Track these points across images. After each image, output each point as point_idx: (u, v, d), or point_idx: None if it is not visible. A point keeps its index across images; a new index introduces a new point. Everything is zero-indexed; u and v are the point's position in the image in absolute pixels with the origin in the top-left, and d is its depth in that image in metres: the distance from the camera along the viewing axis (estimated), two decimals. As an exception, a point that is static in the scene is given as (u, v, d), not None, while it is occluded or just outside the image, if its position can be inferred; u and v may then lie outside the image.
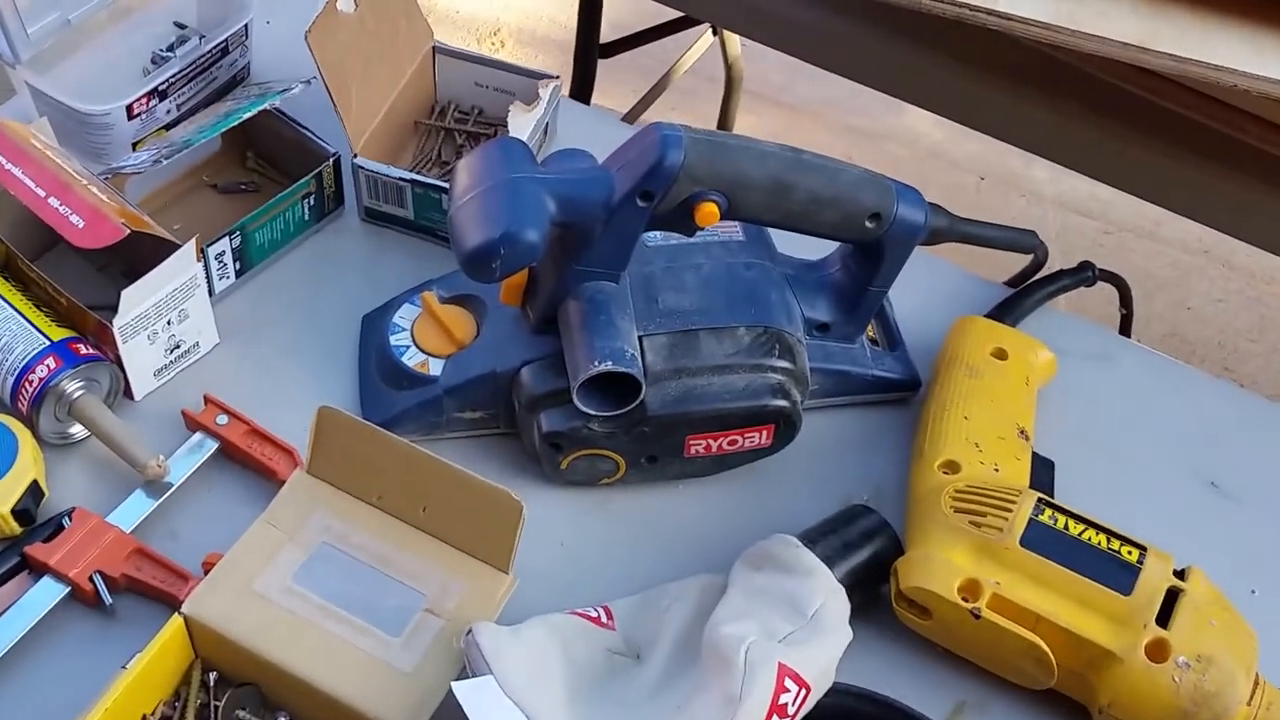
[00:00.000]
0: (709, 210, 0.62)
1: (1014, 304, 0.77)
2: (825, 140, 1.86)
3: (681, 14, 1.36)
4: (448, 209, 0.63)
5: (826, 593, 0.60)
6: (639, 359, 0.63)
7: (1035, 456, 0.68)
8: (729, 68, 1.72)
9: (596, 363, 0.62)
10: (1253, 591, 0.66)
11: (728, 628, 0.57)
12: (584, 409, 0.64)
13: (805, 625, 0.58)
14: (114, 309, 0.68)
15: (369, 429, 0.61)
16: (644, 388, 0.63)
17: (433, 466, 0.60)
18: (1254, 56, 0.78)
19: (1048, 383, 0.74)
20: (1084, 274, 0.79)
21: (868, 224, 0.66)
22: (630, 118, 1.61)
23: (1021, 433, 0.68)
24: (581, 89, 1.44)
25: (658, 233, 0.68)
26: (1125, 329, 0.89)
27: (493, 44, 1.99)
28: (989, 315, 0.75)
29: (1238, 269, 1.77)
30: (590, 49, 1.41)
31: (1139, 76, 0.89)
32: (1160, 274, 1.74)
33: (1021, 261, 0.78)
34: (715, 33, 1.62)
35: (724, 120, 1.79)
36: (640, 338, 0.65)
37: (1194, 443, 0.73)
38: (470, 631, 0.56)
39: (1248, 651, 0.58)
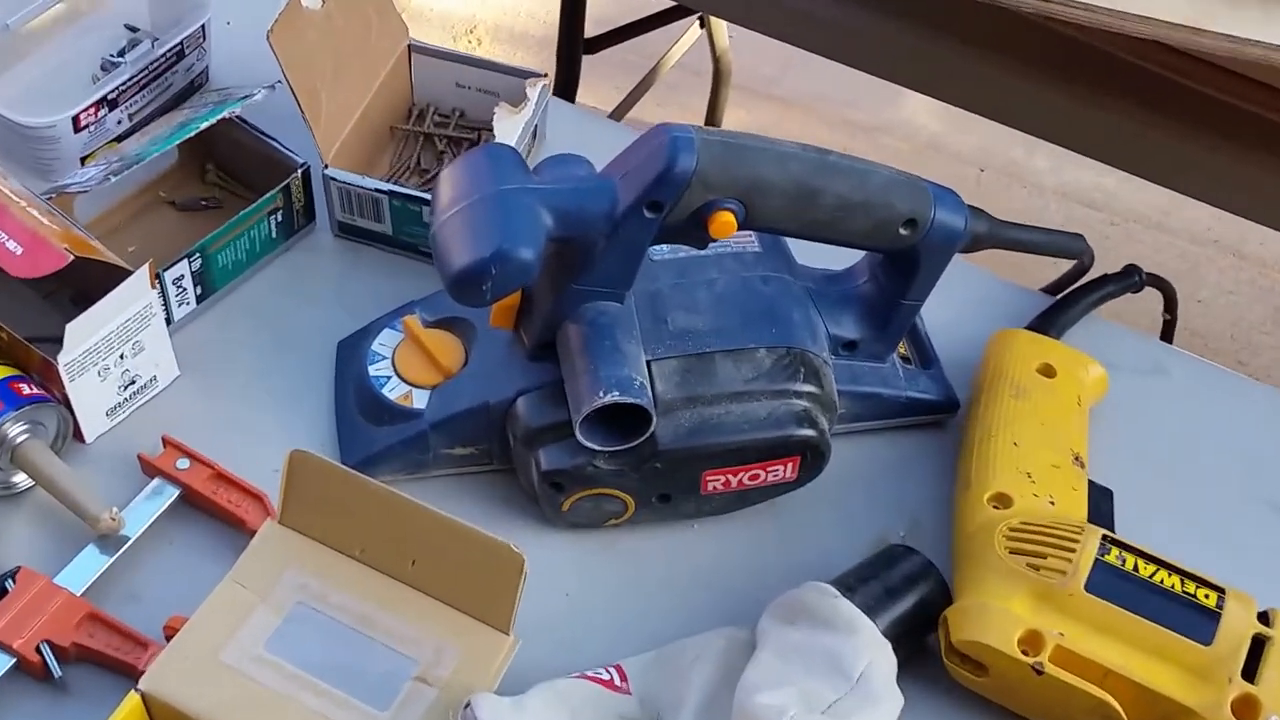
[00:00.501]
0: (725, 220, 0.55)
1: (1057, 314, 0.70)
2: (820, 134, 1.80)
3: (670, 4, 1.30)
4: (430, 224, 0.56)
5: (872, 650, 0.53)
6: (648, 387, 0.57)
7: (1092, 485, 0.62)
8: (717, 60, 1.66)
9: (602, 393, 0.55)
10: (1333, 628, 0.60)
11: (764, 697, 0.50)
12: (588, 444, 0.57)
13: (851, 690, 0.52)
14: (58, 340, 0.61)
15: (348, 475, 0.54)
16: (654, 419, 0.56)
17: (422, 515, 0.53)
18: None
19: (1099, 401, 0.67)
20: (1130, 279, 0.73)
21: (902, 231, 0.59)
22: (616, 115, 1.55)
23: (1076, 459, 0.62)
24: (566, 87, 1.38)
25: (664, 246, 0.61)
26: (1168, 335, 0.83)
27: (469, 41, 1.92)
28: (1030, 327, 0.69)
29: (1248, 258, 1.72)
30: (574, 45, 1.35)
31: (1161, 54, 0.83)
32: (1169, 266, 1.69)
33: (1058, 267, 0.72)
34: (703, 25, 1.56)
35: (712, 115, 1.73)
36: (649, 363, 0.58)
37: (1259, 461, 0.67)
38: (468, 705, 0.50)
39: (1347, 706, 0.53)
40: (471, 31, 1.94)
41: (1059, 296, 0.72)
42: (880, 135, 1.81)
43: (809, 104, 1.84)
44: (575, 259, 0.56)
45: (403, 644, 0.53)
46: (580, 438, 0.56)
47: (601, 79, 1.65)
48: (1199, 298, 1.67)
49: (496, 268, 0.53)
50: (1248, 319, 1.64)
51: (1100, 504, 0.61)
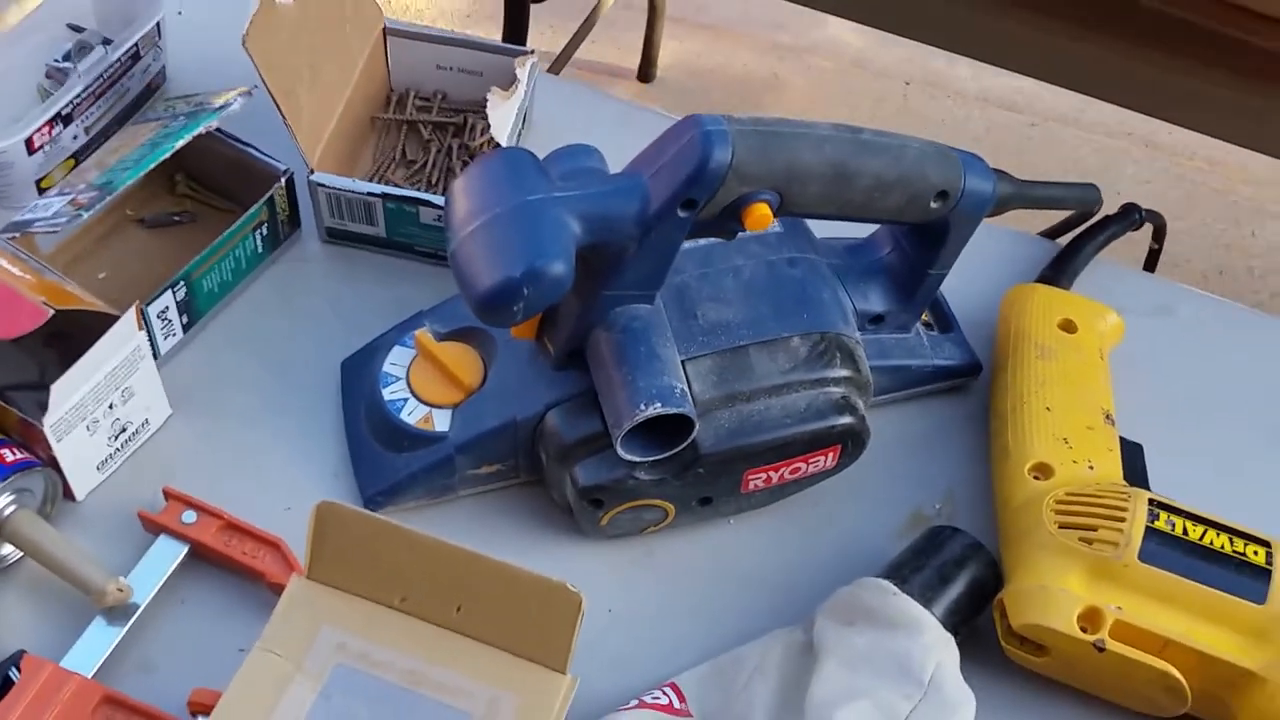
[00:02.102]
0: (761, 213, 0.48)
1: (1065, 262, 0.64)
2: (750, 58, 1.71)
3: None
4: (448, 242, 0.47)
5: (939, 648, 0.48)
6: (688, 393, 0.50)
7: (1123, 442, 0.56)
8: (652, -4, 1.55)
9: (644, 405, 0.48)
10: (1364, 563, 0.56)
11: (841, 715, 0.45)
12: (628, 458, 0.50)
13: (925, 697, 0.46)
14: (37, 387, 0.52)
15: (384, 524, 0.46)
16: (696, 425, 0.49)
17: (466, 559, 0.46)
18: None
19: (1115, 349, 0.61)
20: (1130, 217, 0.67)
21: (933, 204, 0.52)
22: (562, 59, 1.44)
23: (1107, 417, 0.57)
24: (514, 37, 1.27)
25: (688, 237, 0.53)
26: (1151, 266, 0.78)
27: (403, -10, 1.77)
28: (1041, 279, 0.63)
29: (1160, 148, 1.69)
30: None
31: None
32: (1088, 161, 1.65)
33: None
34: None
35: (649, 49, 1.63)
36: (684, 363, 0.51)
37: (1273, 397, 0.62)
38: (538, 759, 0.43)
39: (1405, 657, 0.48)
40: (404, -20, 1.79)
41: (1065, 244, 0.66)
42: (808, 55, 1.72)
43: (738, 29, 1.74)
44: (605, 264, 0.48)
45: (455, 697, 0.45)
46: (620, 452, 0.49)
47: (536, 19, 1.54)
48: (1118, 189, 1.63)
49: (530, 286, 0.45)
50: (1164, 205, 1.59)
51: (1134, 461, 0.56)
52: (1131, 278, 0.67)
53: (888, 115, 1.67)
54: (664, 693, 0.49)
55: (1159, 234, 0.74)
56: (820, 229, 0.57)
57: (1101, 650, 0.49)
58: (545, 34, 1.60)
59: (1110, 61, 0.81)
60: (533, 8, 1.33)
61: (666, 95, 1.68)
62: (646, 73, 1.66)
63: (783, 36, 1.75)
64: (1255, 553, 0.51)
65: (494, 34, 1.33)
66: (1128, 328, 0.62)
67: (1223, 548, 0.51)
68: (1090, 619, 0.50)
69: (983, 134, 1.69)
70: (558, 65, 1.45)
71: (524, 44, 1.28)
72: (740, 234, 0.53)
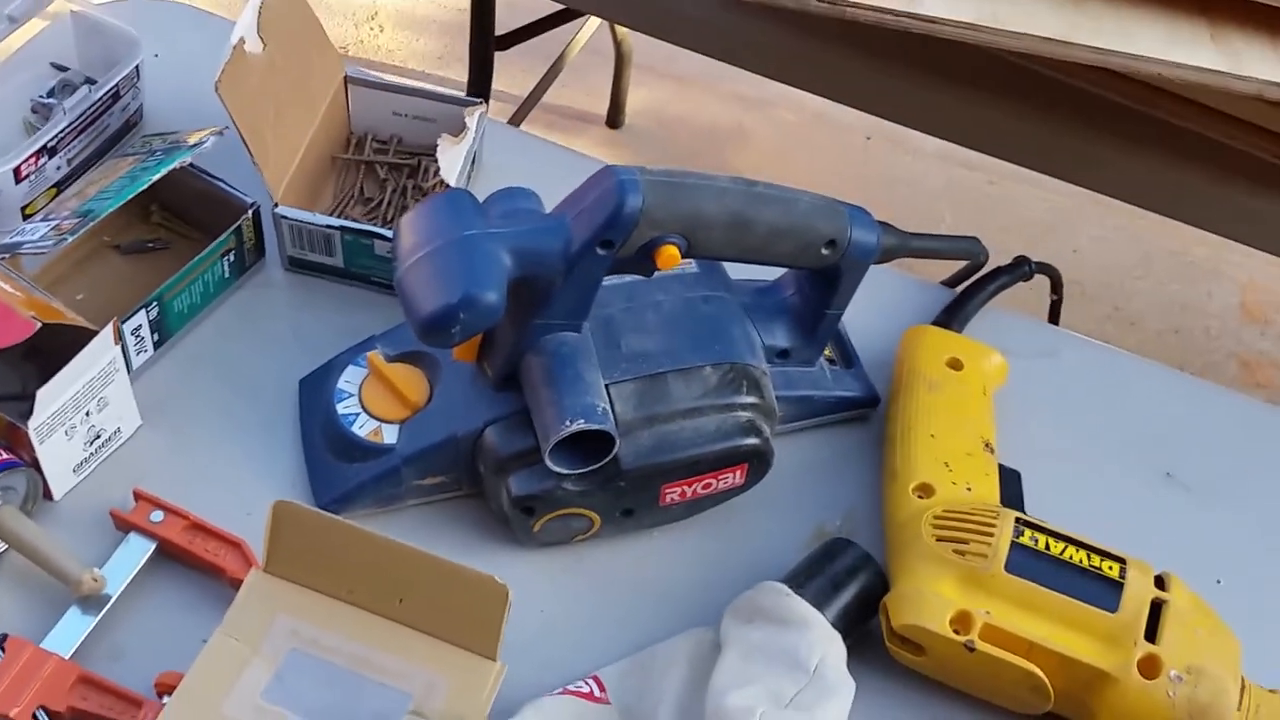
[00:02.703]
0: (670, 253, 0.56)
1: (959, 308, 0.73)
2: (716, 109, 1.80)
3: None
4: (394, 270, 0.55)
5: (825, 642, 0.56)
6: (610, 412, 0.57)
7: (1002, 469, 0.64)
8: (618, 45, 1.65)
9: (569, 422, 0.56)
10: (1218, 581, 0.64)
11: (733, 697, 0.52)
12: (556, 469, 0.57)
13: (810, 683, 0.54)
14: (20, 398, 0.59)
15: (334, 521, 0.54)
16: (618, 442, 0.57)
17: (408, 555, 0.53)
18: (1172, 46, 0.76)
19: (1000, 387, 0.70)
20: (1021, 269, 0.76)
21: (824, 251, 0.61)
22: (529, 103, 1.53)
23: (987, 445, 0.65)
24: (480, 86, 1.35)
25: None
26: (1054, 316, 0.86)
27: (371, 28, 1.86)
28: (936, 322, 0.72)
29: (1116, 208, 1.76)
30: (486, 46, 1.32)
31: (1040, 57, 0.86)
32: (1045, 219, 1.73)
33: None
34: (605, 12, 1.54)
35: (616, 95, 1.72)
36: (608, 387, 0.59)
37: (1145, 433, 0.71)
38: (464, 732, 0.51)
39: (1233, 657, 0.57)
40: (373, 18, 1.88)
41: (959, 291, 0.74)
42: (771, 108, 1.82)
43: (705, 80, 1.83)
44: (534, 295, 0.57)
45: (396, 679, 0.53)
46: (549, 464, 0.57)
47: (507, 63, 1.62)
48: (1074, 248, 1.70)
49: (465, 312, 0.53)
50: (1121, 265, 1.69)
51: (1010, 486, 0.64)
52: (1024, 324, 0.76)
53: (849, 168, 1.77)
54: (586, 683, 0.56)
55: (1056, 286, 0.82)
56: (734, 272, 0.66)
57: (972, 650, 0.56)
58: (516, 77, 1.69)
59: (1046, 137, 0.90)
60: (506, 52, 1.41)
61: (635, 141, 1.77)
62: (615, 119, 1.75)
63: (748, 89, 1.84)
64: (1110, 567, 0.58)
65: (463, 75, 1.41)
66: (1017, 369, 0.70)
67: (1081, 562, 0.58)
68: (962, 622, 0.57)
69: (941, 189, 1.78)
70: (525, 108, 1.54)
71: (489, 88, 1.38)
72: (660, 273, 0.61)
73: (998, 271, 0.75)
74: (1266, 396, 1.54)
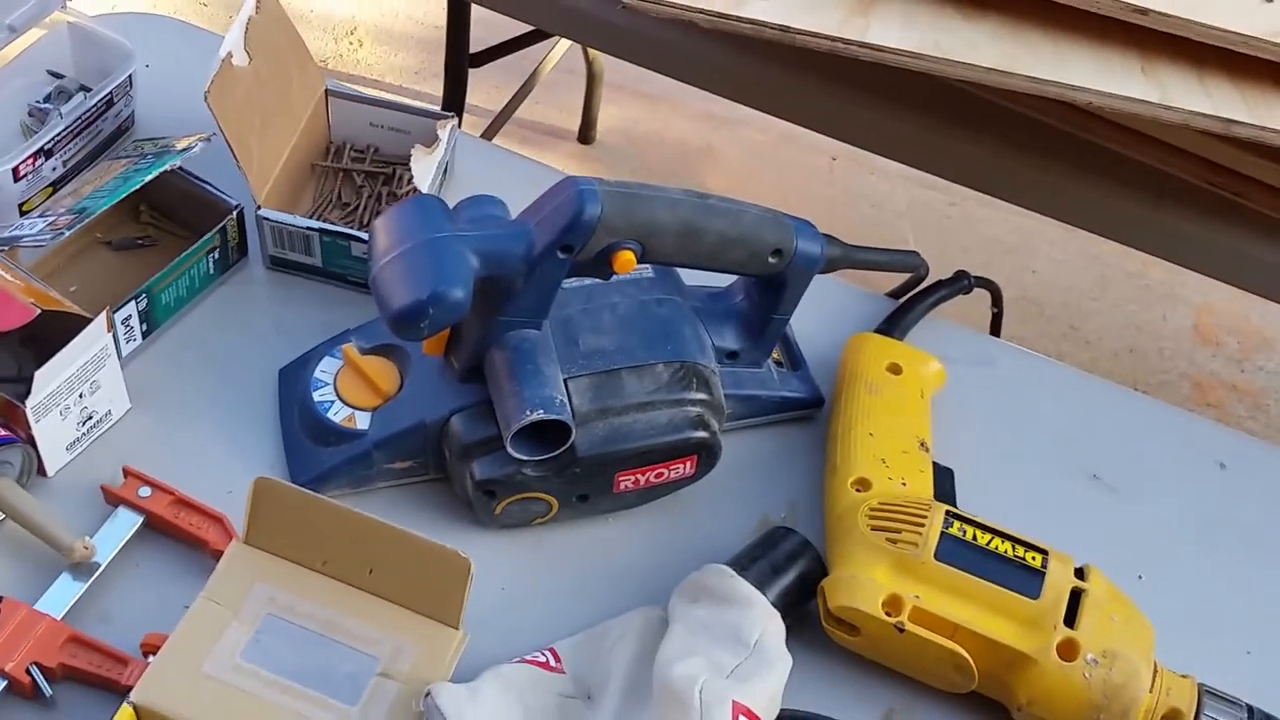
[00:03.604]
0: (626, 258, 0.62)
1: (900, 317, 0.78)
2: (685, 127, 1.86)
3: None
4: (369, 269, 0.61)
5: (765, 620, 0.61)
6: (567, 404, 0.63)
7: (936, 466, 0.70)
8: (590, 64, 1.71)
9: (528, 412, 0.61)
10: (1139, 576, 0.69)
11: (678, 667, 0.57)
12: (516, 455, 0.63)
13: (750, 656, 0.59)
14: (16, 380, 0.64)
15: (310, 497, 0.59)
16: (574, 431, 0.63)
17: (377, 529, 0.58)
18: (1106, 77, 0.82)
19: (939, 391, 0.76)
20: (961, 282, 0.81)
21: (770, 260, 0.67)
22: (501, 118, 1.59)
23: (922, 445, 0.70)
24: (454, 96, 1.41)
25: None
26: (996, 328, 0.93)
27: (350, 43, 1.92)
28: (878, 330, 0.77)
29: (1075, 231, 1.82)
30: (460, 63, 1.38)
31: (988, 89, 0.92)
32: (1005, 240, 1.78)
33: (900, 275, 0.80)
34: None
35: (588, 112, 1.78)
36: (565, 381, 0.64)
37: (1073, 437, 0.77)
38: (429, 694, 0.56)
39: (1146, 643, 0.61)
40: (352, 33, 1.93)
41: (901, 302, 0.80)
42: (740, 127, 1.88)
43: (675, 98, 1.89)
44: (498, 294, 0.62)
45: (365, 644, 0.58)
46: (510, 450, 0.62)
47: (481, 79, 1.68)
48: (1033, 269, 1.76)
49: (433, 307, 0.58)
50: (1079, 286, 1.74)
51: (944, 482, 0.69)
52: (964, 335, 0.82)
53: (815, 187, 1.82)
54: (543, 654, 0.61)
55: (996, 299, 0.89)
56: (687, 278, 0.71)
57: (902, 631, 0.61)
58: (490, 93, 1.75)
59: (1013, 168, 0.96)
60: (481, 69, 1.47)
61: (606, 157, 1.83)
62: (586, 135, 1.81)
63: (717, 108, 1.90)
64: (1033, 558, 0.63)
65: (439, 90, 1.47)
66: (956, 375, 0.76)
67: (1006, 552, 0.63)
68: (893, 604, 0.62)
69: (904, 209, 1.83)
70: (498, 123, 1.59)
71: (463, 102, 1.43)
72: (616, 277, 0.67)
73: (939, 284, 0.81)
74: (1217, 415, 1.60)
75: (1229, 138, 0.83)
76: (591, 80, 1.74)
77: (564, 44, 1.62)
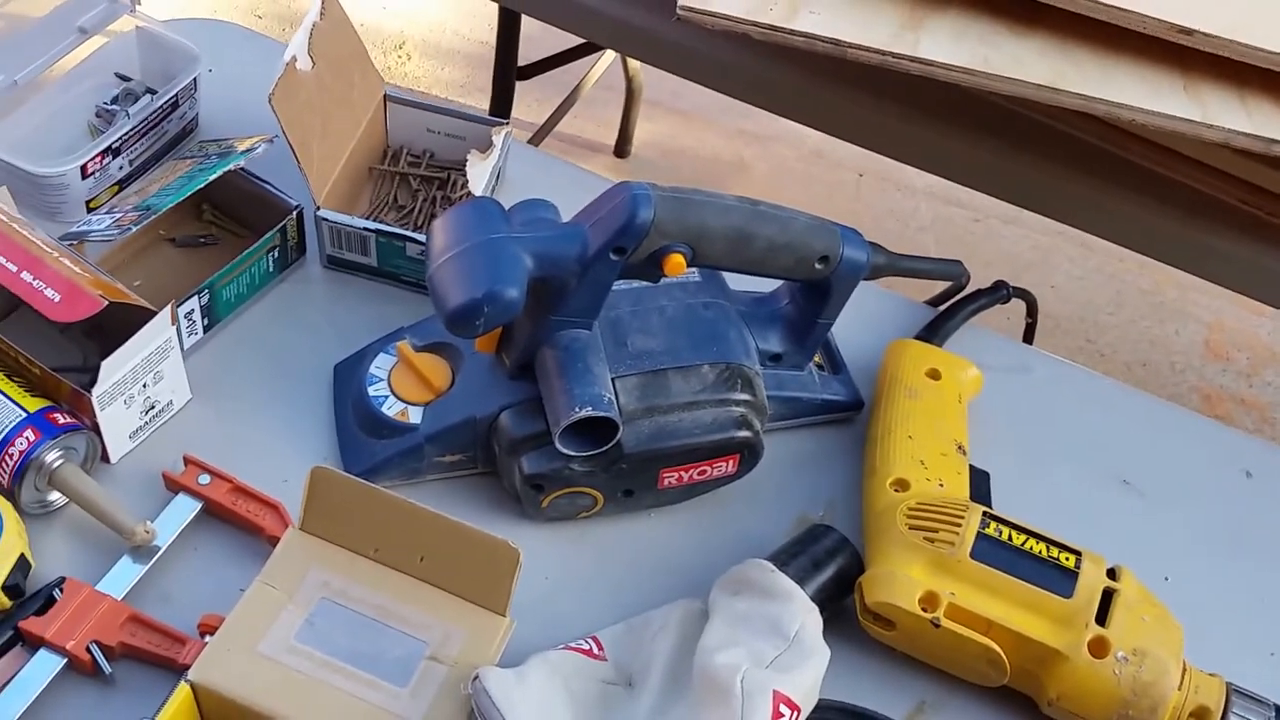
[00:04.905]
0: (677, 261, 0.62)
1: (940, 324, 0.78)
2: (718, 143, 1.86)
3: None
4: (426, 268, 0.61)
5: (804, 613, 0.60)
6: (615, 402, 0.63)
7: (972, 469, 0.69)
8: (630, 80, 1.71)
9: (577, 409, 0.61)
10: (1165, 578, 0.68)
11: (720, 657, 0.57)
12: (564, 451, 0.62)
13: (789, 648, 0.58)
14: (81, 369, 0.64)
15: (365, 486, 0.59)
16: (620, 428, 0.62)
17: (429, 519, 0.58)
18: (1149, 95, 0.81)
19: (976, 397, 0.75)
20: (999, 292, 0.81)
21: (817, 266, 0.66)
22: (543, 131, 1.59)
23: (959, 448, 0.70)
24: (500, 108, 1.42)
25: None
26: (1029, 336, 0.92)
27: (399, 56, 1.93)
28: (918, 336, 0.77)
29: (1094, 249, 1.83)
30: (508, 75, 1.39)
31: (1029, 103, 0.91)
32: (1025, 256, 1.79)
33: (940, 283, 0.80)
34: (618, 48, 1.60)
35: (625, 127, 1.78)
36: (614, 380, 0.64)
37: (1104, 444, 0.76)
38: (477, 678, 0.55)
39: (1176, 642, 0.61)
40: (401, 47, 1.95)
41: (941, 309, 0.79)
42: (771, 144, 1.88)
43: (708, 116, 1.90)
44: (551, 294, 0.62)
45: (415, 629, 0.58)
46: (558, 446, 0.62)
47: (524, 93, 1.69)
48: (1052, 284, 1.76)
49: (488, 306, 0.58)
50: (1095, 301, 1.74)
51: (980, 485, 0.69)
52: (1000, 342, 0.81)
53: (842, 202, 1.82)
54: (586, 642, 0.60)
55: (1031, 310, 0.88)
56: (733, 282, 0.71)
57: (937, 626, 0.61)
58: (532, 107, 1.75)
59: (1043, 180, 0.95)
60: (523, 83, 1.48)
61: (640, 171, 1.83)
62: (622, 149, 1.82)
63: (749, 124, 1.91)
64: (1067, 559, 0.63)
65: (484, 103, 1.47)
66: (992, 381, 0.76)
67: (1040, 553, 0.63)
68: (929, 601, 0.61)
69: (928, 224, 1.83)
70: (540, 135, 1.60)
71: (509, 114, 1.44)
72: (664, 279, 0.67)
73: (978, 293, 0.80)
74: (1225, 428, 1.59)
75: (1265, 157, 0.81)
76: (630, 96, 1.74)
77: (606, 60, 1.63)
